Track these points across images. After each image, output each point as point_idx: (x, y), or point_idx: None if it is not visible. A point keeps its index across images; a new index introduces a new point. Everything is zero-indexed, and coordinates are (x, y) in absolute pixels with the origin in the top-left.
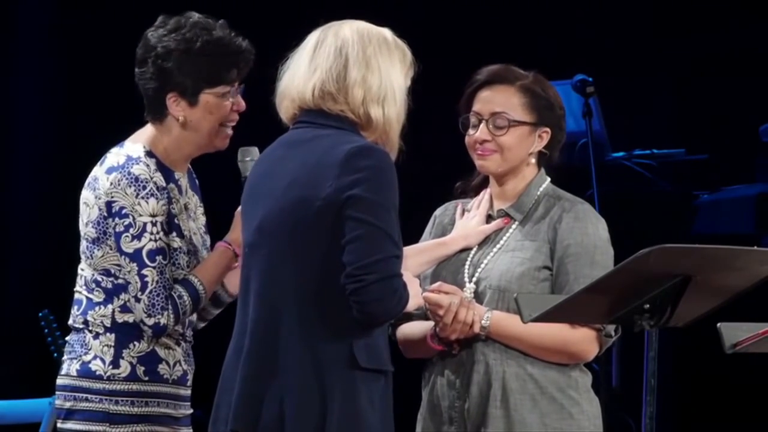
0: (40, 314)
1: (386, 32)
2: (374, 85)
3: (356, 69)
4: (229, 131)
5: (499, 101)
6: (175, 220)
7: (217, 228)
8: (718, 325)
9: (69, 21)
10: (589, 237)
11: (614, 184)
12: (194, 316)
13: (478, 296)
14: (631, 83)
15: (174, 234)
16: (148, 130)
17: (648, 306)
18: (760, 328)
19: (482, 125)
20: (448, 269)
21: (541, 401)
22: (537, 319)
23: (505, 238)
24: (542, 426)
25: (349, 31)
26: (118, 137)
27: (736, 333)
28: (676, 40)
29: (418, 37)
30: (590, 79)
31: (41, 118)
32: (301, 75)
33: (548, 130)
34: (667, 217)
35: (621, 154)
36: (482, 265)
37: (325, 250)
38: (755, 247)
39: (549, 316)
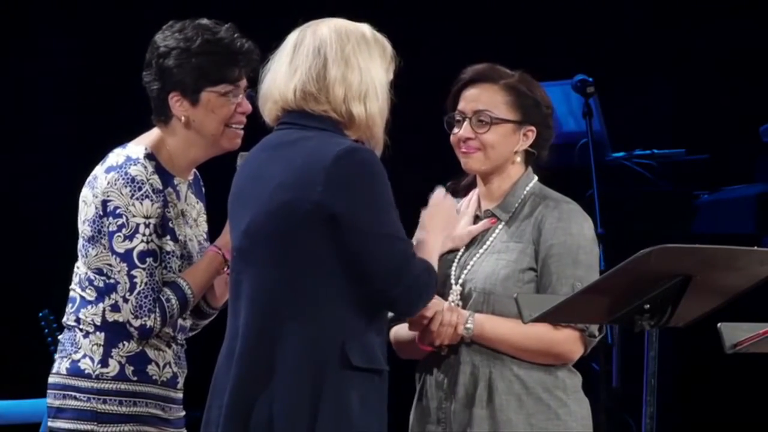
0: (40, 314)
1: (365, 28)
2: (354, 82)
3: (335, 67)
4: (239, 131)
5: (482, 99)
6: (170, 224)
7: (217, 233)
8: (718, 325)
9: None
10: (572, 237)
11: (614, 184)
12: (188, 323)
13: (464, 298)
14: (631, 83)
15: (167, 237)
16: (153, 133)
17: (648, 306)
18: (760, 328)
19: (466, 123)
20: (438, 271)
21: (527, 401)
22: (537, 319)
23: (491, 239)
24: (528, 426)
25: (327, 29)
26: (123, 138)
27: (736, 333)
28: (676, 40)
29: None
30: (590, 79)
31: (46, 119)
32: (282, 76)
33: (533, 128)
34: (667, 217)
35: (621, 154)
36: (468, 267)
37: (315, 252)
38: (755, 247)
39: (549, 317)
